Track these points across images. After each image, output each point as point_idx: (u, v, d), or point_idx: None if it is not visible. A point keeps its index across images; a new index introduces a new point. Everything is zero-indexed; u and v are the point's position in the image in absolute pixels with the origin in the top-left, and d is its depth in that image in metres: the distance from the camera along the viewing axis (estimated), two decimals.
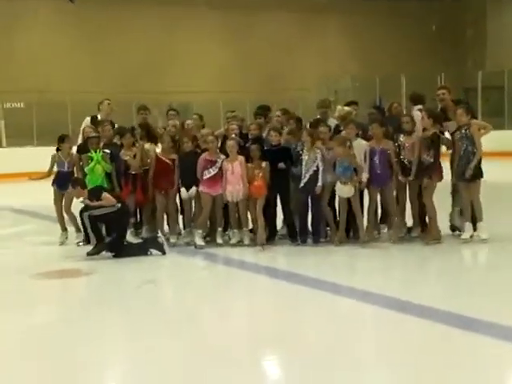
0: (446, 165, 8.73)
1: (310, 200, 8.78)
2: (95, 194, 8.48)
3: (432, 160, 8.43)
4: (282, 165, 8.72)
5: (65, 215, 9.52)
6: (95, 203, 8.43)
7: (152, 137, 9.64)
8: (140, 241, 9.09)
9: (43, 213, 11.78)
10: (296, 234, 8.93)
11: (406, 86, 26.09)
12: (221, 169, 8.83)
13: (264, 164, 8.76)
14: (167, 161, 9.07)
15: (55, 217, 9.67)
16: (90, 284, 7.68)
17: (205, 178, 8.83)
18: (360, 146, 8.62)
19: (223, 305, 6.58)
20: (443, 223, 8.88)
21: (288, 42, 29.97)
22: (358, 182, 8.55)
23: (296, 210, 8.92)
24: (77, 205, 9.03)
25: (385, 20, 30.84)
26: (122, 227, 8.56)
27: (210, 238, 9.16)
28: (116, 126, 10.02)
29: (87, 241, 8.82)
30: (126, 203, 8.83)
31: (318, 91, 24.83)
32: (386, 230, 9.24)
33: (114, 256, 8.44)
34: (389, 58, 29.88)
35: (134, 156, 9.16)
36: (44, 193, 10.19)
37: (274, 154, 8.79)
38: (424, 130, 8.58)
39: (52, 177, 9.65)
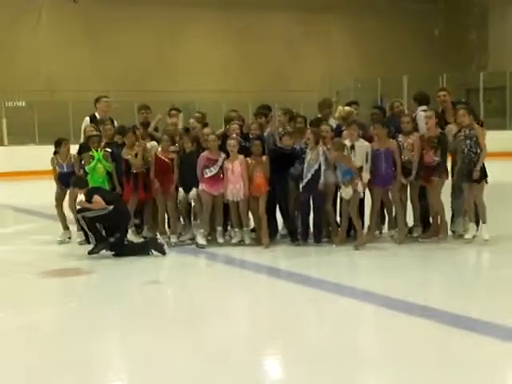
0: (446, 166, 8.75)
1: (311, 199, 8.77)
2: (88, 195, 8.48)
3: (440, 159, 8.46)
4: (294, 170, 8.68)
5: (70, 213, 9.51)
6: (85, 205, 8.44)
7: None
8: (141, 240, 9.09)
9: (45, 211, 11.78)
10: (297, 234, 8.93)
11: (407, 88, 26.07)
12: (222, 168, 8.84)
13: (264, 158, 8.76)
14: (166, 160, 9.07)
15: (57, 215, 9.68)
16: (91, 283, 7.68)
17: (205, 176, 8.83)
18: (362, 147, 8.61)
19: (224, 304, 6.58)
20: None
21: (291, 43, 29.96)
22: (359, 184, 8.51)
23: (296, 209, 8.91)
24: None
25: (388, 22, 30.82)
26: (121, 227, 8.55)
27: (210, 237, 9.16)
28: (116, 124, 9.98)
29: (88, 240, 8.83)
30: (126, 203, 8.83)
31: (321, 92, 24.81)
32: (387, 230, 9.24)
33: (115, 255, 8.45)
34: (391, 60, 29.86)
35: (136, 155, 9.16)
36: (46, 191, 10.19)
37: (288, 158, 8.78)
38: (428, 130, 8.57)
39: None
